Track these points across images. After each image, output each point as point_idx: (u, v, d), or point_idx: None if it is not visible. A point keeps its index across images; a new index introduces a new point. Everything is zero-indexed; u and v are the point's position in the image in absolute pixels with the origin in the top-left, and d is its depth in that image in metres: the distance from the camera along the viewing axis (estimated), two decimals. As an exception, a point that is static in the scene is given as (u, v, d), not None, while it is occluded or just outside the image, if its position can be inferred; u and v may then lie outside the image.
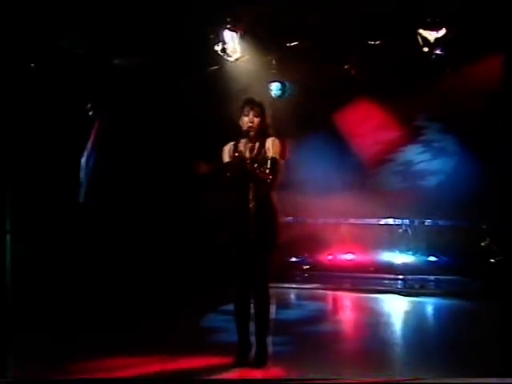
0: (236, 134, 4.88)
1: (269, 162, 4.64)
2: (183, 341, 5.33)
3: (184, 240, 8.19)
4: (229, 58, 7.72)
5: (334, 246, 9.30)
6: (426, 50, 7.28)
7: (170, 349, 4.97)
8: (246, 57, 7.79)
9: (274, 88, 8.79)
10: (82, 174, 7.75)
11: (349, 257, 9.30)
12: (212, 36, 7.56)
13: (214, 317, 6.38)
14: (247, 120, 4.76)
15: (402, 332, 6.21)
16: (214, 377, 4.32)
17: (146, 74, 8.17)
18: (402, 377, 4.29)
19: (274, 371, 4.47)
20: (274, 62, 8.41)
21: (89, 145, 7.88)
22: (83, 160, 7.78)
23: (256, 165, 4.65)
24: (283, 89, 8.82)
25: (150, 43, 7.58)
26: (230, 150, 4.81)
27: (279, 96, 8.79)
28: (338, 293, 8.20)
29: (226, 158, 4.80)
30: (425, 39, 7.20)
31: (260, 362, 4.59)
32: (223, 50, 7.59)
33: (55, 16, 6.55)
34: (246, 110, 4.78)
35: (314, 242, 9.20)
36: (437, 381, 4.08)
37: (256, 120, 4.75)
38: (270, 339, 4.67)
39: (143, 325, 5.92)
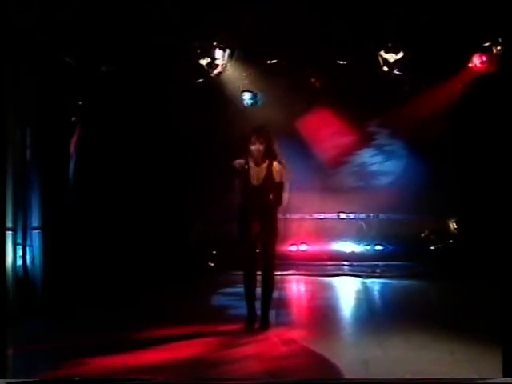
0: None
1: (276, 187, 5.55)
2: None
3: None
4: (212, 72, 8.58)
5: (300, 237, 10.19)
6: (385, 69, 8.47)
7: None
8: (229, 71, 8.69)
9: (247, 97, 9.63)
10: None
11: (311, 247, 10.24)
12: (199, 51, 8.39)
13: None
14: (254, 148, 5.55)
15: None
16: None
17: (128, 81, 8.57)
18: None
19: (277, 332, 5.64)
20: (245, 74, 9.30)
21: (71, 149, 8.35)
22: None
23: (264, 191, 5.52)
24: (255, 98, 9.65)
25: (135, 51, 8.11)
26: (240, 171, 5.60)
27: (251, 105, 9.65)
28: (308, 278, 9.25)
29: (238, 183, 5.65)
30: (385, 60, 8.38)
31: (265, 326, 5.70)
32: (209, 64, 8.45)
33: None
34: (253, 139, 5.56)
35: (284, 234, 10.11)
36: (437, 381, 4.24)
37: (262, 147, 5.54)
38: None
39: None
